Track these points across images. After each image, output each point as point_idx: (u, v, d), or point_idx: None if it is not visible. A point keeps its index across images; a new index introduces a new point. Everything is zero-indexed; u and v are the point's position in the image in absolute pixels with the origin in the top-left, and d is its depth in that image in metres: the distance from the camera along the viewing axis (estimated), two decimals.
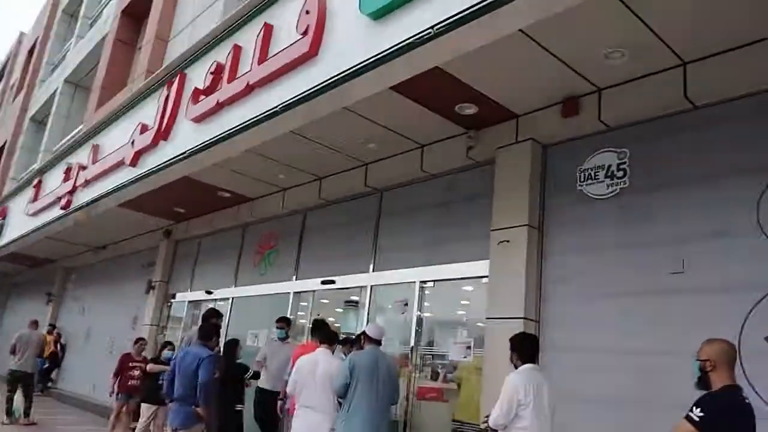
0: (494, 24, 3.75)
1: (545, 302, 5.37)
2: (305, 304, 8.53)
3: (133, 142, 7.80)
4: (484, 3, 3.52)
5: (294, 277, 8.61)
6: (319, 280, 8.03)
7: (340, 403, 5.20)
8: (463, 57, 4.61)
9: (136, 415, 9.36)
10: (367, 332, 5.33)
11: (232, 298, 9.92)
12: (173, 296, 11.93)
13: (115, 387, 9.29)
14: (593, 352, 4.89)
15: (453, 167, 6.61)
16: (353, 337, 6.73)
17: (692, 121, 4.76)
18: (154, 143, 7.35)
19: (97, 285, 15.51)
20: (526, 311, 5.27)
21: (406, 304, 6.70)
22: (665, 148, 4.88)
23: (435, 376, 6.49)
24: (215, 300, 10.52)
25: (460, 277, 6.27)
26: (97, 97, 12.60)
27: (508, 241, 5.56)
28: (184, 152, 6.54)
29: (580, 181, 5.38)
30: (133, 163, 7.71)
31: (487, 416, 4.13)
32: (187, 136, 6.90)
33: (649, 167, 4.97)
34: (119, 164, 8.17)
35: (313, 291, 8.25)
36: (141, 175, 7.65)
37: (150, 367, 8.11)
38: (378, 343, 5.32)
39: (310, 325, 6.36)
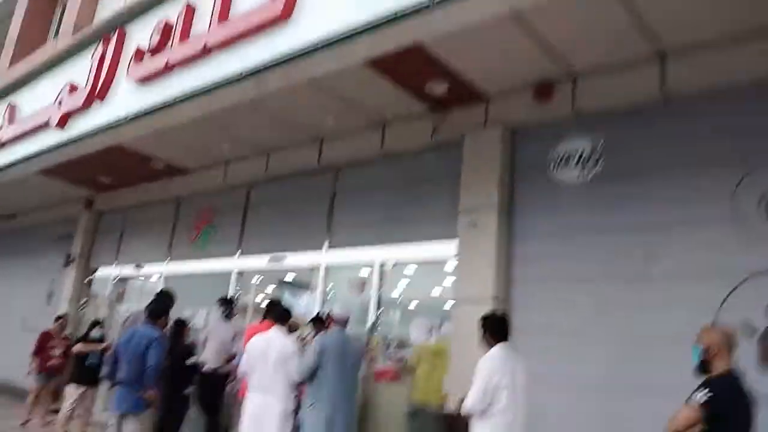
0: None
1: (514, 285, 5.38)
2: (254, 282, 8.15)
3: (60, 102, 7.03)
4: None
5: (237, 255, 8.19)
6: (266, 257, 7.68)
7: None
8: (443, 34, 4.47)
9: (55, 396, 8.71)
10: (334, 314, 5.13)
11: (163, 275, 9.32)
12: (94, 271, 11.10)
13: (34, 367, 8.54)
14: (564, 336, 4.95)
15: (416, 147, 6.44)
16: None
17: (667, 111, 4.86)
18: (87, 104, 6.66)
19: (3, 257, 14.15)
20: (495, 293, 5.26)
21: (365, 284, 6.54)
22: (639, 137, 4.95)
23: (392, 359, 6.39)
24: (144, 276, 9.88)
25: (422, 257, 6.17)
26: (11, 51, 11.31)
27: (475, 225, 5.51)
28: (126, 116, 5.96)
29: (550, 167, 5.39)
30: (61, 124, 6.96)
31: (462, 399, 4.03)
32: (127, 98, 6.31)
33: (622, 155, 5.03)
34: (43, 126, 7.37)
35: (260, 270, 7.88)
36: (70, 140, 6.94)
37: (78, 347, 7.48)
38: (344, 325, 5.13)
39: (262, 306, 6.05)
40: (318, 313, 6.11)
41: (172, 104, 5.64)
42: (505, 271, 5.40)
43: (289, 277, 8.06)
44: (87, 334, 7.76)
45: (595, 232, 5.04)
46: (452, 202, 5.89)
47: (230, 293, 7.91)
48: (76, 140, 6.90)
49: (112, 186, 10.40)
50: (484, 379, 3.76)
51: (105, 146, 7.32)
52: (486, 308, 5.17)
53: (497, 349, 3.94)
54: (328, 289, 6.96)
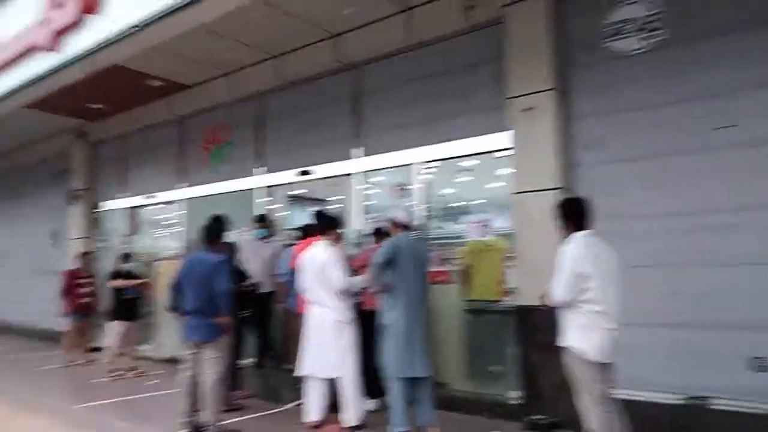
0: None
1: (576, 170, 5.11)
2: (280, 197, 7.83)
3: (47, 21, 6.29)
4: None
5: (259, 171, 7.78)
6: (293, 171, 7.30)
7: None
8: None
9: (86, 334, 8.61)
10: (396, 218, 4.81)
11: (184, 200, 8.92)
12: (100, 204, 10.64)
13: (65, 307, 8.35)
14: (635, 218, 4.77)
15: (448, 32, 5.92)
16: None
17: None
18: (78, 19, 5.95)
19: (3, 201, 13.54)
20: (559, 179, 5.02)
21: (405, 189, 6.25)
22: None
23: (443, 261, 6.24)
24: (158, 204, 9.48)
25: (466, 152, 5.84)
26: None
27: (531, 108, 5.16)
28: (137, 25, 5.31)
29: (605, 38, 4.97)
30: (53, 46, 6.26)
31: (545, 292, 3.86)
32: (125, 5, 5.62)
33: (686, 17, 4.62)
34: (29, 51, 6.64)
35: (289, 183, 7.52)
36: (66, 63, 6.28)
37: (114, 282, 7.25)
38: (408, 228, 4.85)
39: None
40: (378, 227, 5.80)
41: (183, 6, 5.00)
42: (566, 156, 5.12)
43: (299, 191, 7.78)
44: (119, 267, 7.51)
45: (659, 105, 4.73)
46: (497, 89, 5.50)
47: (258, 212, 7.59)
48: (72, 62, 6.24)
49: (104, 113, 9.73)
50: (569, 269, 3.53)
51: (103, 67, 6.68)
52: (550, 196, 5.00)
53: (580, 237, 3.67)
54: (364, 198, 6.65)
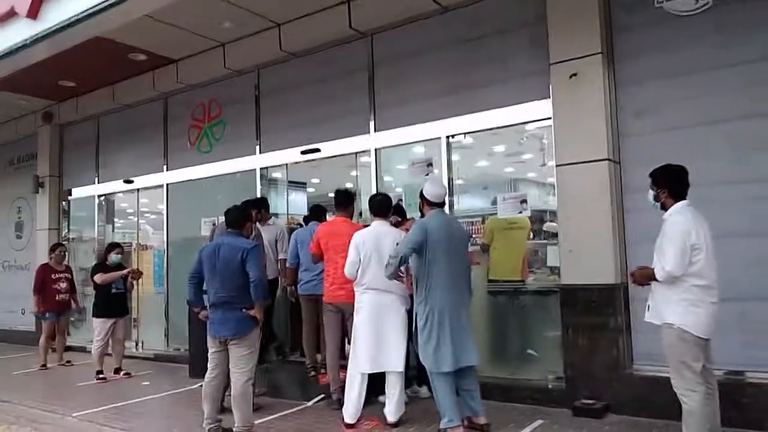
0: None
1: (625, 140, 4.81)
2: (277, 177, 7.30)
3: None
4: None
5: (258, 150, 7.21)
6: (298, 150, 6.76)
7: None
8: None
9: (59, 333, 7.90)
10: (426, 194, 4.33)
11: (166, 185, 8.25)
12: (69, 192, 9.82)
13: (38, 305, 7.61)
14: (694, 187, 4.48)
15: None
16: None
17: None
18: None
19: None
20: (608, 149, 4.70)
21: (430, 164, 5.83)
22: None
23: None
24: (138, 189, 8.77)
25: (498, 123, 5.44)
26: None
27: (576, 74, 4.81)
28: None
29: None
30: (32, 13, 5.53)
31: (638, 269, 3.55)
32: None
33: None
34: (4, 17, 5.87)
35: (291, 164, 7.00)
36: (46, 32, 5.54)
37: (102, 277, 6.57)
38: (440, 205, 4.38)
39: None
40: (397, 203, 5.36)
41: None
42: (614, 125, 4.80)
43: (280, 174, 7.33)
44: (105, 259, 6.83)
45: (718, 67, 4.45)
46: (536, 54, 5.14)
47: (256, 194, 7.03)
48: (53, 32, 5.51)
49: (76, 91, 8.90)
50: (682, 240, 3.25)
51: (84, 39, 5.96)
52: (597, 168, 4.69)
53: (684, 207, 3.41)
54: (381, 177, 6.18)
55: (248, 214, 4.50)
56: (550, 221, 5.87)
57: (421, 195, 4.36)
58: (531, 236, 5.89)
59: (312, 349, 5.86)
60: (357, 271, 4.42)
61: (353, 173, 7.68)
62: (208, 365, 4.22)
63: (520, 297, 5.71)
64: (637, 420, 4.40)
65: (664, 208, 3.48)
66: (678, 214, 3.37)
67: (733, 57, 4.39)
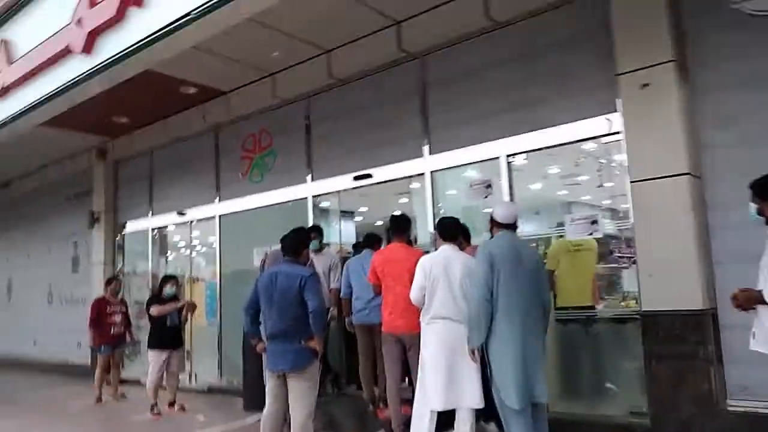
0: None
1: (704, 153, 4.45)
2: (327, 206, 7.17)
3: (80, 20, 5.65)
4: None
5: (309, 179, 7.10)
6: (350, 176, 6.62)
7: None
8: None
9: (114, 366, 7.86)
10: (496, 216, 4.08)
11: (219, 216, 8.24)
12: (123, 226, 9.95)
13: (94, 338, 7.62)
14: None
15: (531, 8, 5.30)
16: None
17: None
18: (119, 15, 5.30)
19: (16, 228, 12.81)
20: (687, 165, 4.34)
21: (489, 186, 5.57)
22: None
23: None
24: (191, 221, 8.80)
25: (561, 140, 5.16)
26: None
27: (648, 85, 4.50)
28: (188, 13, 4.65)
29: None
30: (87, 48, 5.62)
31: (738, 292, 3.18)
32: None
33: None
34: (59, 56, 6.00)
35: (343, 190, 6.85)
36: (101, 65, 5.61)
37: (157, 309, 6.52)
38: (512, 228, 4.09)
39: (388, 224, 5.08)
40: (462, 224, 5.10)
41: None
42: (692, 136, 4.45)
43: (326, 204, 7.19)
44: (160, 291, 6.79)
45: None
46: (599, 66, 4.87)
47: (308, 222, 6.91)
48: (108, 65, 5.57)
49: (128, 127, 9.09)
50: None
51: (135, 73, 6.02)
52: (680, 182, 4.34)
53: None
54: (436, 201, 5.96)
55: (306, 240, 4.31)
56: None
57: (491, 218, 4.11)
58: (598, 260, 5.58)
59: (369, 382, 5.64)
60: (424, 297, 4.17)
61: (402, 201, 7.55)
62: (266, 400, 4.01)
63: (594, 325, 5.34)
64: None
65: None
66: None
67: None
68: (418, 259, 4.51)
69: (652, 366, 4.40)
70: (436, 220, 5.04)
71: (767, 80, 4.22)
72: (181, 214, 8.80)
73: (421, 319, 4.25)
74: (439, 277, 4.13)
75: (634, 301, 5.46)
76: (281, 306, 3.83)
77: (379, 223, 9.27)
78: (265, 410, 4.00)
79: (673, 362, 4.30)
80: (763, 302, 3.01)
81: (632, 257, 6.10)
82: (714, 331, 4.26)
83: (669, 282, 4.36)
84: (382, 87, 6.45)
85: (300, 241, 4.15)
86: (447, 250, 4.28)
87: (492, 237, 4.10)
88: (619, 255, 6.51)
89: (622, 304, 5.64)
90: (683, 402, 4.24)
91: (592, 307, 5.44)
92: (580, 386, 5.26)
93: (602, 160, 5.56)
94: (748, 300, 3.13)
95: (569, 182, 6.15)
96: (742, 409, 4.11)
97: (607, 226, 5.22)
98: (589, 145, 5.24)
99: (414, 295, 4.21)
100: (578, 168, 5.64)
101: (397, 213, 5.13)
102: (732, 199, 4.32)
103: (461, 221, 4.65)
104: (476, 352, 3.82)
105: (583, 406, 5.01)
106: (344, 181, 6.70)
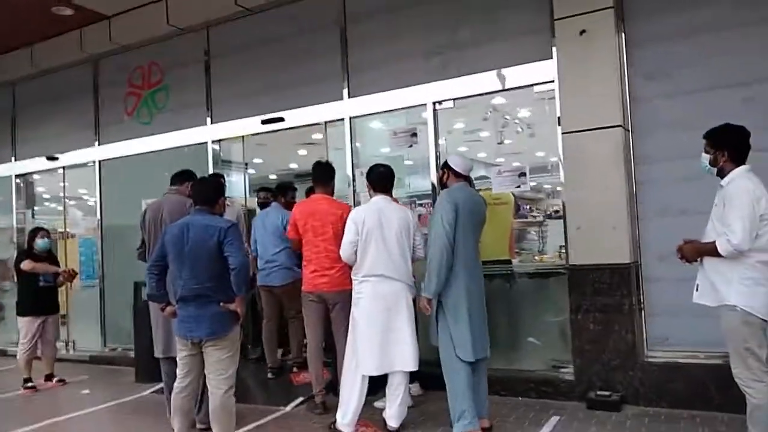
0: None
1: (634, 105, 4.39)
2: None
3: None
4: None
5: (209, 121, 6.35)
6: (258, 119, 5.98)
7: None
8: None
9: None
10: (452, 165, 3.82)
11: (98, 162, 7.23)
12: None
13: None
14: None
15: None
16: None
17: None
18: None
19: None
20: (621, 114, 4.27)
21: (414, 135, 5.23)
22: None
23: None
24: (63, 167, 7.67)
25: (492, 87, 4.89)
26: None
27: (585, 31, 4.33)
28: None
29: None
30: None
31: (686, 242, 3.12)
32: None
33: None
34: None
35: (255, 134, 6.18)
36: None
37: (31, 265, 5.57)
38: (467, 179, 3.88)
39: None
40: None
41: None
42: (626, 87, 4.37)
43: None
44: (30, 246, 5.82)
45: (745, 24, 4.07)
46: (536, 8, 4.62)
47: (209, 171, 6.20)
48: None
49: None
50: (750, 208, 2.81)
51: None
52: (612, 135, 4.27)
53: (746, 171, 2.97)
54: (354, 147, 5.54)
55: (221, 187, 3.72)
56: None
57: (446, 166, 3.90)
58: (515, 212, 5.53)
59: (273, 347, 5.41)
60: (355, 254, 3.79)
61: (301, 152, 7.02)
62: (178, 372, 3.48)
63: (512, 279, 5.27)
64: (658, 411, 4.07)
65: (721, 174, 3.04)
66: (743, 180, 2.92)
67: (755, 15, 4.04)
68: (344, 213, 4.16)
69: (579, 319, 4.38)
70: (362, 171, 4.66)
71: (701, 33, 4.20)
72: (51, 159, 7.63)
73: (353, 277, 3.89)
74: (373, 232, 3.77)
75: (547, 255, 5.54)
76: (195, 264, 3.26)
77: (273, 177, 8.70)
78: (176, 384, 3.46)
79: (599, 315, 4.31)
80: (711, 254, 2.95)
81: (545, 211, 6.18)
82: (637, 283, 4.30)
83: (597, 236, 4.33)
84: (295, 18, 5.81)
85: (215, 188, 3.56)
86: (380, 201, 3.91)
87: (448, 187, 3.87)
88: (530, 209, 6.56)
89: (536, 258, 5.67)
90: (607, 353, 4.27)
91: (509, 261, 5.37)
92: (502, 341, 5.19)
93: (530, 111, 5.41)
94: (694, 252, 3.07)
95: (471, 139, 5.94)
96: (662, 360, 4.21)
97: (532, 180, 5.08)
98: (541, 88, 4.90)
99: (344, 251, 3.83)
100: (510, 119, 5.44)
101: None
102: (657, 154, 4.35)
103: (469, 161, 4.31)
104: (432, 302, 3.62)
105: (505, 361, 4.96)
106: (251, 125, 6.05)
